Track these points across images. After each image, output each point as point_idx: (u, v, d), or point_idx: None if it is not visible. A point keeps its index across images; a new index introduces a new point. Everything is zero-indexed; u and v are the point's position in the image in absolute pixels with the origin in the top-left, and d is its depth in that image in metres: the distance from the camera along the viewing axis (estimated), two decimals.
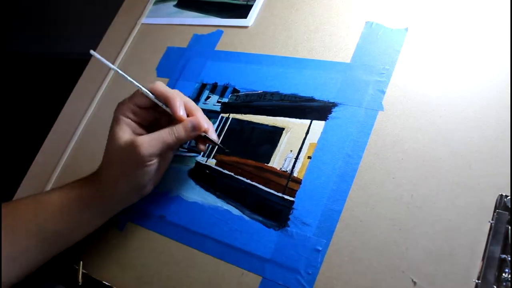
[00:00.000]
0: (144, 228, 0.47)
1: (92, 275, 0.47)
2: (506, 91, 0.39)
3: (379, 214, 0.38)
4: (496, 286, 0.32)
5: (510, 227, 0.33)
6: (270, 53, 0.52)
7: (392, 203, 0.38)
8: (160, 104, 0.43)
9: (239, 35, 0.56)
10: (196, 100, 0.54)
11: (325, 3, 0.53)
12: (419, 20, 0.46)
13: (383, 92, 0.43)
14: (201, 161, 0.49)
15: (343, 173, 0.41)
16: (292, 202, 0.42)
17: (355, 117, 0.43)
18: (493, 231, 0.34)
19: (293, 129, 0.46)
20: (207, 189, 0.47)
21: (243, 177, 0.46)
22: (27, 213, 0.42)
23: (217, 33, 0.58)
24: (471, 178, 0.37)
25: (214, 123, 0.51)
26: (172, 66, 0.59)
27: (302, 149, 0.44)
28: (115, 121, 0.43)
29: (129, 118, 0.43)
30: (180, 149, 0.51)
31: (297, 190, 0.42)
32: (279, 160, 0.45)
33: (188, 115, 0.43)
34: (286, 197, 0.42)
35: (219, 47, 0.57)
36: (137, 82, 0.43)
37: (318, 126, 0.45)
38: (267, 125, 0.48)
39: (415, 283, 0.35)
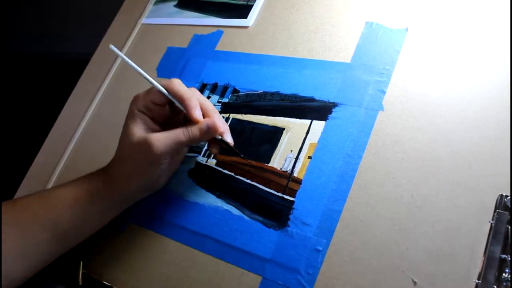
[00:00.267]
0: (145, 228, 0.47)
1: (92, 275, 0.47)
2: (506, 91, 0.39)
3: (379, 214, 0.38)
4: (496, 286, 0.32)
5: (510, 227, 0.33)
6: (270, 53, 0.52)
7: (392, 203, 0.38)
8: (176, 103, 0.42)
9: (239, 35, 0.56)
10: None
11: (325, 3, 0.53)
12: (419, 20, 0.46)
13: (383, 92, 0.44)
14: (201, 162, 0.49)
15: (343, 173, 0.41)
16: (292, 202, 0.42)
17: (355, 117, 0.43)
18: (493, 231, 0.34)
19: (293, 129, 0.46)
20: (207, 189, 0.47)
21: (243, 177, 0.46)
22: (39, 208, 0.42)
23: (217, 33, 0.58)
24: (471, 178, 0.37)
25: None
26: (172, 66, 0.59)
27: (302, 149, 0.44)
28: (130, 116, 0.42)
29: (144, 114, 0.42)
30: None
31: (297, 190, 0.42)
32: (279, 160, 0.45)
33: (204, 116, 0.42)
34: (286, 197, 0.42)
35: (219, 47, 0.57)
36: (153, 79, 0.42)
37: (318, 126, 0.45)
38: (267, 125, 0.48)
39: (415, 283, 0.35)
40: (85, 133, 0.60)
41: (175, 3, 0.66)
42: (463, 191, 0.36)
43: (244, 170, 0.46)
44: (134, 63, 0.65)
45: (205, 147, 0.50)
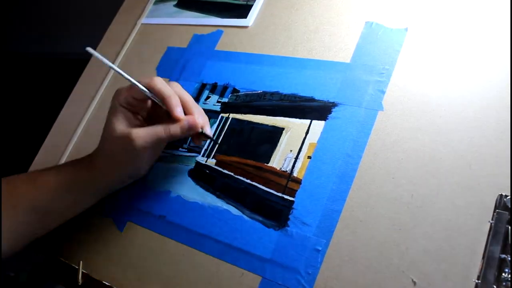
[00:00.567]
0: (144, 228, 0.47)
1: (92, 275, 0.47)
2: (506, 91, 0.39)
3: (379, 214, 0.38)
4: (496, 286, 0.32)
5: (510, 227, 0.33)
6: (270, 53, 0.52)
7: (392, 203, 0.38)
8: (157, 101, 0.43)
9: (239, 35, 0.56)
10: (196, 100, 0.54)
11: (325, 3, 0.53)
12: (419, 20, 0.46)
13: (383, 92, 0.43)
14: (201, 161, 0.49)
15: (343, 173, 0.41)
16: (292, 202, 0.42)
17: (355, 117, 0.43)
18: (493, 231, 0.34)
19: (293, 129, 0.46)
20: (207, 189, 0.47)
21: (243, 177, 0.46)
22: (26, 191, 0.44)
23: (217, 33, 0.58)
24: (471, 178, 0.37)
25: (214, 123, 0.51)
26: (172, 66, 0.59)
27: (302, 149, 0.44)
28: (113, 111, 0.44)
29: (126, 108, 0.44)
30: (180, 149, 0.51)
31: (297, 190, 0.42)
32: (279, 160, 0.45)
33: (185, 111, 0.43)
34: (286, 197, 0.42)
35: (219, 47, 0.57)
36: (133, 78, 0.42)
37: (318, 126, 0.45)
38: (267, 125, 0.48)
39: (415, 283, 0.35)
40: (85, 133, 0.60)
41: (175, 3, 0.66)
42: (463, 191, 0.36)
43: (244, 170, 0.46)
44: (134, 63, 0.65)
45: (205, 147, 0.50)
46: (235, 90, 0.52)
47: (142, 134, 0.42)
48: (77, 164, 0.46)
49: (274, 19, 0.55)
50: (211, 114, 0.52)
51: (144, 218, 0.48)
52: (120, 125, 0.43)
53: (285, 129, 0.46)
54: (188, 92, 0.55)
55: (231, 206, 0.44)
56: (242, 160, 0.47)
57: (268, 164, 0.45)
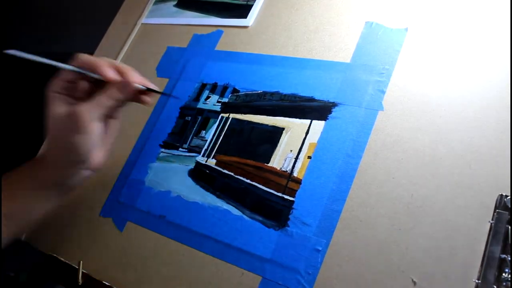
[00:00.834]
0: (144, 228, 0.47)
1: (92, 275, 0.47)
2: (506, 91, 0.39)
3: (379, 214, 0.38)
4: (496, 286, 0.32)
5: (510, 227, 0.33)
6: (270, 53, 0.52)
7: (392, 203, 0.38)
8: (88, 73, 0.41)
9: (239, 35, 0.56)
10: (196, 100, 0.54)
11: (325, 3, 0.53)
12: (419, 20, 0.46)
13: (383, 92, 0.43)
14: (201, 161, 0.49)
15: (343, 173, 0.41)
16: (292, 202, 0.42)
17: (355, 117, 0.43)
18: (493, 231, 0.34)
19: (293, 129, 0.46)
20: (207, 189, 0.47)
21: (243, 177, 0.46)
22: None
23: (217, 33, 0.58)
24: (471, 178, 0.37)
25: (214, 123, 0.51)
26: (172, 66, 0.59)
27: (302, 149, 0.44)
28: (48, 99, 0.42)
29: (63, 94, 0.42)
30: (180, 149, 0.51)
31: (297, 190, 0.42)
32: (279, 160, 0.45)
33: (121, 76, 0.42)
34: (286, 197, 0.42)
35: (219, 47, 0.57)
36: (54, 61, 0.41)
37: (318, 126, 0.45)
38: (267, 125, 0.48)
39: (415, 283, 0.35)
40: None
41: (175, 3, 0.66)
42: (463, 191, 0.36)
43: (244, 170, 0.46)
44: (134, 63, 0.65)
45: (205, 147, 0.50)
46: (235, 90, 0.52)
47: (86, 107, 0.40)
48: (29, 164, 0.44)
49: (274, 19, 0.55)
50: (211, 114, 0.52)
51: (144, 218, 0.48)
52: (60, 108, 0.41)
53: (285, 129, 0.46)
54: (188, 92, 0.55)
55: (231, 206, 0.44)
56: (242, 160, 0.47)
57: (268, 164, 0.45)
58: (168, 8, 0.66)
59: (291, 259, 0.39)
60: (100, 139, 0.42)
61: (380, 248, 0.37)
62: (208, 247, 0.43)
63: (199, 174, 0.48)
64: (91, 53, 0.68)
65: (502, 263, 0.32)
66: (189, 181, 0.48)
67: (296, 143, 0.45)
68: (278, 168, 0.44)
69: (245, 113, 0.50)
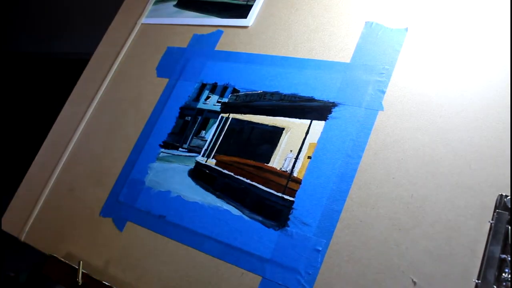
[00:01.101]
0: (144, 228, 0.47)
1: (92, 275, 0.47)
2: (506, 91, 0.39)
3: (379, 214, 0.38)
4: (496, 286, 0.32)
5: (510, 227, 0.33)
6: (270, 53, 0.52)
7: (392, 203, 0.38)
8: None
9: (239, 35, 0.56)
10: (196, 100, 0.54)
11: (325, 3, 0.53)
12: (419, 20, 0.46)
13: (383, 92, 0.43)
14: (201, 161, 0.49)
15: (343, 173, 0.41)
16: (292, 202, 0.42)
17: (355, 117, 0.43)
18: (493, 231, 0.34)
19: (293, 129, 0.46)
20: (207, 189, 0.47)
21: (243, 177, 0.46)
22: None
23: (217, 33, 0.58)
24: (471, 178, 0.37)
25: (214, 123, 0.51)
26: (172, 66, 0.58)
27: (302, 149, 0.44)
28: None
29: None
30: (180, 149, 0.51)
31: (297, 190, 0.42)
32: (279, 160, 0.45)
33: None
34: (286, 197, 0.42)
35: (219, 47, 0.57)
36: None
37: (318, 126, 0.45)
38: (267, 125, 0.48)
39: (415, 283, 0.35)
40: (84, 133, 0.60)
41: (174, 3, 0.66)
42: (463, 191, 0.36)
43: (244, 170, 0.46)
44: (134, 63, 0.65)
45: (205, 147, 0.50)
46: (235, 90, 0.52)
47: None
48: None
49: (274, 19, 0.55)
50: (211, 114, 0.52)
51: (144, 218, 0.48)
52: None
53: (285, 129, 0.46)
54: (188, 92, 0.55)
55: (231, 206, 0.44)
56: (242, 160, 0.47)
57: (268, 164, 0.45)
58: (168, 8, 0.66)
59: (291, 259, 0.39)
60: None
61: (380, 248, 0.37)
62: (208, 247, 0.43)
63: (199, 174, 0.48)
64: (91, 53, 0.68)
65: (502, 263, 0.32)
66: (189, 181, 0.48)
67: (296, 143, 0.45)
68: (278, 168, 0.44)
69: (245, 113, 0.50)
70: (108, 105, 0.61)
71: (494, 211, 0.34)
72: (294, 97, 0.48)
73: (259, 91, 0.50)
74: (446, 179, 0.37)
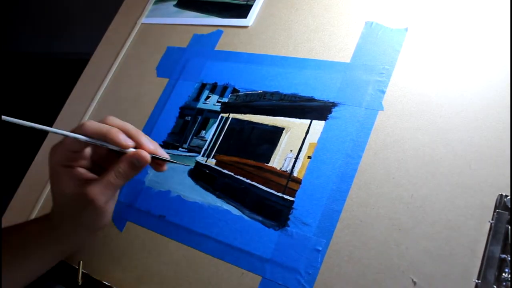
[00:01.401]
0: (144, 228, 0.47)
1: (92, 275, 0.47)
2: (506, 91, 0.39)
3: (379, 214, 0.38)
4: (496, 286, 0.32)
5: (510, 227, 0.33)
6: (270, 53, 0.52)
7: (392, 203, 0.38)
8: (98, 143, 0.38)
9: (239, 35, 0.56)
10: (196, 100, 0.54)
11: (325, 3, 0.53)
12: (419, 20, 0.46)
13: (383, 92, 0.43)
14: (201, 161, 0.49)
15: (343, 173, 0.41)
16: (292, 202, 0.42)
17: (355, 117, 0.43)
18: (493, 231, 0.34)
19: (293, 129, 0.46)
20: (207, 189, 0.47)
21: (243, 177, 0.46)
22: None
23: (217, 33, 0.58)
24: (471, 178, 0.37)
25: (214, 123, 0.51)
26: (172, 66, 0.59)
27: (302, 149, 0.44)
28: (54, 173, 0.39)
29: (68, 166, 0.39)
30: (180, 149, 0.51)
31: (297, 190, 0.42)
32: (279, 160, 0.45)
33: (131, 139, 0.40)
34: (286, 197, 0.42)
35: (219, 47, 0.57)
36: (65, 130, 0.38)
37: (318, 126, 0.45)
38: (267, 125, 0.48)
39: (415, 283, 0.35)
40: None
41: (174, 2, 0.66)
42: (463, 191, 0.36)
43: (244, 170, 0.46)
44: (134, 63, 0.65)
45: (205, 147, 0.50)
46: (235, 90, 0.52)
47: (99, 190, 0.38)
48: (36, 226, 0.42)
49: (274, 19, 0.55)
50: (211, 114, 0.52)
51: (144, 218, 0.48)
52: (69, 187, 0.38)
53: (285, 129, 0.46)
54: (188, 92, 0.55)
55: (231, 206, 0.44)
56: (242, 160, 0.47)
57: (268, 164, 0.45)
58: (168, 8, 0.66)
59: (291, 259, 0.39)
60: (110, 210, 0.41)
61: (380, 248, 0.37)
62: (208, 247, 0.43)
63: (199, 174, 0.48)
64: (91, 53, 0.69)
65: (502, 263, 0.32)
66: (189, 181, 0.48)
67: (296, 143, 0.45)
68: (278, 168, 0.44)
69: (245, 113, 0.50)
70: (108, 105, 0.61)
71: (494, 211, 0.34)
72: (294, 97, 0.48)
73: (259, 91, 0.50)
74: (446, 179, 0.37)
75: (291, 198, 0.42)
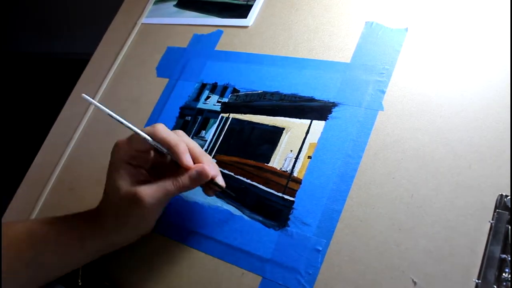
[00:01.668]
0: None
1: (92, 275, 0.47)
2: (506, 91, 0.39)
3: (379, 214, 0.38)
4: (496, 286, 0.32)
5: (510, 227, 0.33)
6: (270, 53, 0.52)
7: (392, 203, 0.38)
8: (162, 150, 0.40)
9: (239, 35, 0.56)
10: (196, 100, 0.54)
11: (325, 3, 0.53)
12: (419, 20, 0.46)
13: (383, 92, 0.43)
14: None
15: (343, 173, 0.41)
16: (292, 202, 0.42)
17: (355, 117, 0.43)
18: (493, 231, 0.34)
19: (293, 129, 0.46)
20: None
21: (243, 177, 0.46)
22: (25, 245, 0.40)
23: (217, 33, 0.58)
24: (471, 178, 0.37)
25: (214, 123, 0.51)
26: (172, 66, 0.59)
27: (302, 149, 0.44)
28: (114, 167, 0.40)
29: (129, 164, 0.40)
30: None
31: (297, 190, 0.42)
32: (279, 160, 0.45)
33: (193, 160, 0.40)
34: (286, 197, 0.42)
35: (219, 47, 0.57)
36: (135, 126, 0.39)
37: (318, 126, 0.45)
38: (267, 125, 0.48)
39: (415, 283, 0.35)
40: (84, 134, 0.60)
41: (175, 2, 0.66)
42: (463, 191, 0.36)
43: (244, 170, 0.46)
44: (134, 63, 0.65)
45: (205, 147, 0.50)
46: (235, 90, 0.52)
47: (150, 192, 0.39)
48: (78, 221, 0.43)
49: (274, 19, 0.55)
50: (211, 114, 0.52)
51: None
52: (125, 184, 0.39)
53: (285, 129, 0.46)
54: (188, 92, 0.55)
55: (231, 206, 0.44)
56: (242, 160, 0.47)
57: (268, 164, 0.45)
58: (168, 8, 0.66)
59: (291, 259, 0.39)
60: (156, 216, 0.42)
61: (380, 248, 0.37)
62: (208, 247, 0.43)
63: None
64: (91, 53, 0.69)
65: (502, 263, 0.32)
66: None
67: (296, 143, 0.45)
68: (278, 168, 0.44)
69: (245, 113, 0.50)
70: (108, 105, 0.61)
71: (494, 211, 0.34)
72: (294, 97, 0.48)
73: (259, 91, 0.50)
74: (446, 179, 0.37)
75: (291, 198, 0.42)
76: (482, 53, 0.41)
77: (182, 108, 0.54)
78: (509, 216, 0.33)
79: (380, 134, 0.42)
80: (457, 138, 0.39)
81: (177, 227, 0.45)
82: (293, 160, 0.44)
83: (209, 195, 0.43)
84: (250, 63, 0.53)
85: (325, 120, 0.45)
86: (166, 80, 0.58)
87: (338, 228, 0.39)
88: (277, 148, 0.46)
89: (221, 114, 0.51)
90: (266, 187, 0.44)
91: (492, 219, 0.34)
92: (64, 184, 0.57)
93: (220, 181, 0.42)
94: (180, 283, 0.43)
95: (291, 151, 0.45)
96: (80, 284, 0.46)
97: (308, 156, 0.43)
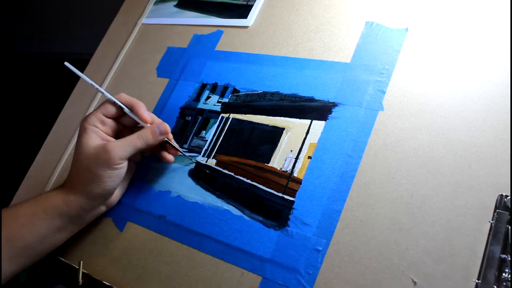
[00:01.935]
0: (144, 228, 0.47)
1: (92, 275, 0.47)
2: (506, 91, 0.39)
3: (379, 214, 0.38)
4: (496, 286, 0.32)
5: (510, 227, 0.33)
6: (270, 53, 0.52)
7: (392, 203, 0.38)
8: (127, 111, 0.46)
9: (239, 35, 0.56)
10: (197, 100, 0.54)
11: (325, 3, 0.53)
12: (419, 20, 0.46)
13: (383, 92, 0.44)
14: (201, 161, 0.49)
15: (343, 173, 0.41)
16: (292, 202, 0.42)
17: (355, 117, 0.43)
18: (493, 231, 0.34)
19: (293, 129, 0.46)
20: (207, 189, 0.47)
21: (243, 177, 0.46)
22: (12, 228, 0.42)
23: (217, 33, 0.58)
24: (471, 178, 0.37)
25: (214, 123, 0.51)
26: (172, 66, 0.59)
27: (302, 149, 0.44)
28: (83, 131, 0.44)
29: (97, 127, 0.45)
30: (181, 149, 0.51)
31: (297, 190, 0.42)
32: (279, 160, 0.45)
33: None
34: (286, 197, 0.42)
35: (219, 47, 0.57)
36: (106, 92, 0.46)
37: (318, 126, 0.45)
38: (267, 125, 0.48)
39: (415, 283, 0.35)
40: None
41: (175, 3, 0.66)
42: (463, 191, 0.36)
43: (244, 170, 0.46)
44: (134, 63, 0.65)
45: (205, 147, 0.50)
46: (235, 90, 0.52)
47: (118, 144, 0.43)
48: (49, 193, 0.45)
49: (274, 19, 0.55)
50: (211, 114, 0.52)
51: (144, 218, 0.48)
52: (94, 141, 0.44)
53: (285, 129, 0.46)
54: (188, 92, 0.55)
55: (231, 206, 0.44)
56: (242, 160, 0.47)
57: (268, 164, 0.45)
58: (168, 8, 0.66)
59: (291, 259, 0.39)
60: (123, 177, 0.45)
61: (380, 248, 0.37)
62: (208, 247, 0.43)
63: (200, 174, 0.48)
64: (91, 53, 0.69)
65: (502, 263, 0.32)
66: (189, 181, 0.48)
67: (296, 143, 0.45)
68: (278, 168, 0.44)
69: (245, 113, 0.50)
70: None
71: (494, 211, 0.34)
72: (294, 97, 0.48)
73: (259, 91, 0.50)
74: (446, 179, 0.37)
75: (291, 198, 0.42)
76: (482, 53, 0.41)
77: (182, 108, 0.54)
78: (509, 216, 0.33)
79: (380, 134, 0.42)
80: (457, 138, 0.39)
81: (177, 227, 0.45)
82: (293, 160, 0.44)
83: (168, 161, 0.48)
84: (250, 63, 0.53)
85: (325, 120, 0.45)
86: (167, 80, 0.58)
87: (338, 228, 0.39)
88: (277, 148, 0.46)
89: (221, 114, 0.51)
90: (266, 187, 0.44)
91: (492, 219, 0.34)
92: None
93: (174, 142, 0.48)
94: (180, 283, 0.43)
95: (291, 151, 0.45)
96: (80, 284, 0.46)
97: (308, 156, 0.43)
